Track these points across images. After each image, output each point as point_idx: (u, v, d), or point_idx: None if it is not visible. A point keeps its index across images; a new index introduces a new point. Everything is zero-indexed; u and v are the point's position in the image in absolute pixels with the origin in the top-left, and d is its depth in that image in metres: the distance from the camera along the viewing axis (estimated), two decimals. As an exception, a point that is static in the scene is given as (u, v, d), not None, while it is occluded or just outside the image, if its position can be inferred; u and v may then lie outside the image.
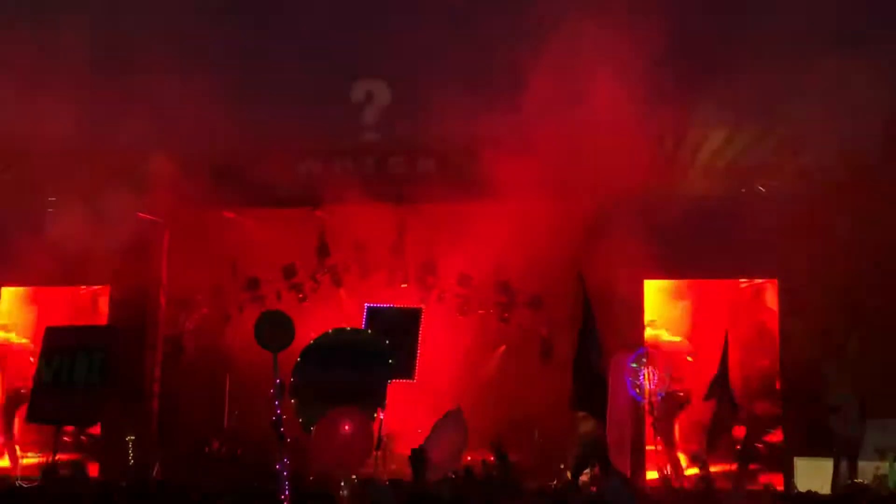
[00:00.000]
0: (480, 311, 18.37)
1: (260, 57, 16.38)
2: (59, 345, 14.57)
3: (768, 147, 16.00)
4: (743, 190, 16.61)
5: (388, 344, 16.69)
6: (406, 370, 17.41)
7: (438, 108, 15.28)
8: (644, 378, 15.63)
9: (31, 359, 17.03)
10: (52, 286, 18.58)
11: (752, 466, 16.03)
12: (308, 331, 18.50)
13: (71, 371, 14.21)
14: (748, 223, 15.85)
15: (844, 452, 15.01)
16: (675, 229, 15.76)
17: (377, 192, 17.06)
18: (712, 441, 15.31)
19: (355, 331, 17.37)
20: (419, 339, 17.94)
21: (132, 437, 17.07)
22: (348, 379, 16.14)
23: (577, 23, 13.93)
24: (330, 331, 17.08)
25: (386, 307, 18.08)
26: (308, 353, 16.64)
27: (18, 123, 15.83)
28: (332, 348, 16.72)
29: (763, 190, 16.56)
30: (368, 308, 18.01)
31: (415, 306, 18.21)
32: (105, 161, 16.83)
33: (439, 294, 18.31)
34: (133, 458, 16.87)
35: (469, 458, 16.79)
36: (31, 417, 15.39)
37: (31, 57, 15.22)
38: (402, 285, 18.33)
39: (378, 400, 15.67)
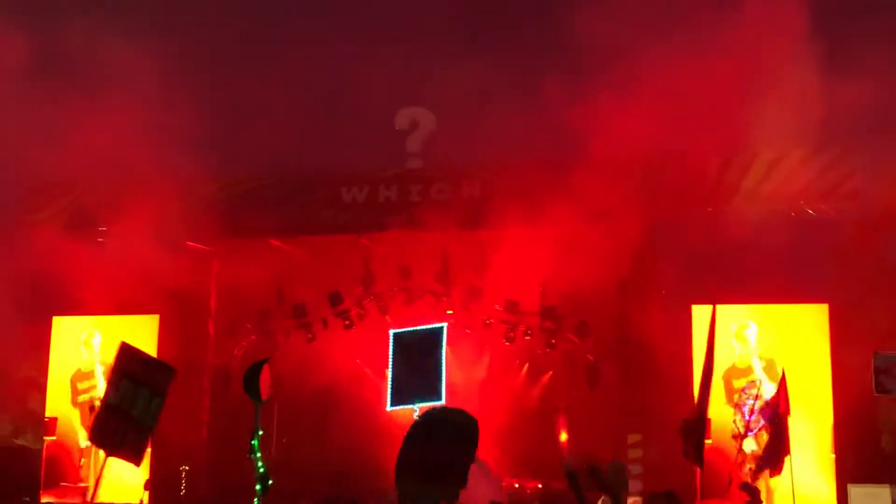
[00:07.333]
0: (527, 338, 18.25)
1: (305, 86, 16.56)
2: (129, 369, 13.13)
3: (818, 170, 15.81)
4: (793, 214, 16.38)
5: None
6: (434, 392, 16.83)
7: (482, 134, 15.32)
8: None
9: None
10: (103, 315, 18.79)
11: None
12: (354, 357, 18.61)
13: (133, 401, 12.90)
14: (797, 247, 15.61)
15: None
16: (723, 254, 15.55)
17: (422, 219, 17.05)
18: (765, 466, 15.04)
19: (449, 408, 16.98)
20: (443, 357, 16.64)
21: (186, 468, 17.00)
22: (438, 457, 15.77)
23: (620, 47, 13.93)
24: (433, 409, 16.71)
25: (408, 330, 17.16)
26: (412, 429, 16.27)
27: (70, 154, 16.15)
28: (431, 425, 16.32)
29: (812, 213, 16.32)
30: (393, 334, 17.19)
31: (437, 323, 17.18)
32: (155, 191, 17.04)
33: (485, 320, 18.21)
34: (185, 488, 16.85)
35: (517, 484, 16.71)
36: (93, 439, 13.98)
37: (78, 88, 15.48)
38: (448, 312, 18.23)
39: (461, 480, 15.31)
